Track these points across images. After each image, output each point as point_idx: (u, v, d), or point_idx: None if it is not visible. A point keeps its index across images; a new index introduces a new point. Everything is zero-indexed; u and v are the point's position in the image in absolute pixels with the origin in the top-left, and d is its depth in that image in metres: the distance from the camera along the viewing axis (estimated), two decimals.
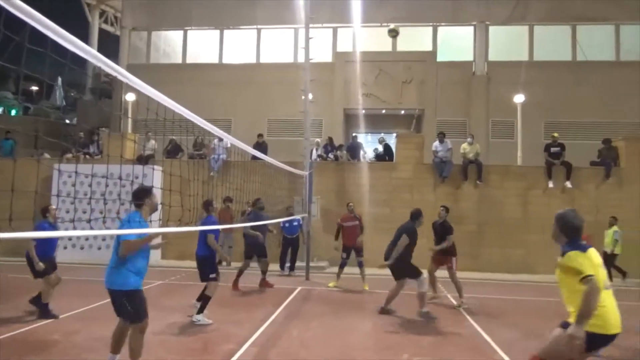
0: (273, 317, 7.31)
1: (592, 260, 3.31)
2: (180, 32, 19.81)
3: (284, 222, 11.29)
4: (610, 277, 12.31)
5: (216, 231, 7.27)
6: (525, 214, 13.09)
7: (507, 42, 18.51)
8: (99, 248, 13.14)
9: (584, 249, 3.37)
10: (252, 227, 9.13)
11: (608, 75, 16.93)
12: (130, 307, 4.30)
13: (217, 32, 19.53)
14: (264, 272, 9.69)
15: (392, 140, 15.32)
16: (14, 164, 13.00)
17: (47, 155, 14.82)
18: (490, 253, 12.95)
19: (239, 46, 19.46)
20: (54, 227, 7.12)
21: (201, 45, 19.90)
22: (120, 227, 4.40)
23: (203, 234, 7.09)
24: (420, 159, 13.80)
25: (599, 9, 17.33)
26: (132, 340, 4.43)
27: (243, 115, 17.76)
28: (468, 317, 7.60)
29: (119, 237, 4.37)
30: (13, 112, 24.91)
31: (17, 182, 12.27)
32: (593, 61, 17.50)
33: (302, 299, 8.96)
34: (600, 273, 3.31)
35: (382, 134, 16.09)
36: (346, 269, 10.16)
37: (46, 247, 7.02)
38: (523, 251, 12.88)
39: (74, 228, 9.59)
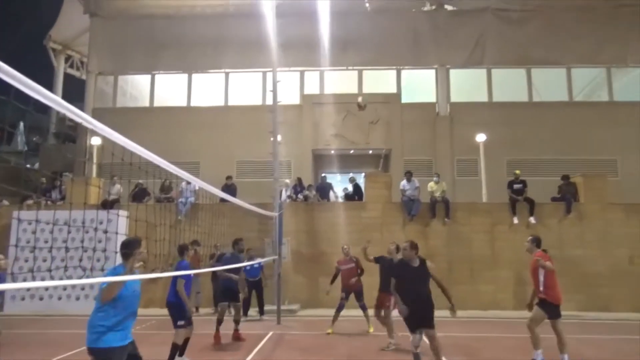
0: None
1: None
2: (148, 76, 19.85)
3: (246, 266, 10.98)
4: None
5: (189, 277, 7.00)
6: (493, 250, 13.31)
7: (468, 84, 19.34)
8: (59, 298, 12.53)
9: None
10: (228, 270, 8.40)
11: (562, 115, 17.80)
12: None
13: (185, 75, 19.67)
14: (236, 321, 8.93)
15: (361, 180, 15.50)
16: None
17: (6, 203, 14.27)
18: (460, 290, 12.96)
19: (207, 89, 19.62)
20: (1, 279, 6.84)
21: (169, 89, 19.96)
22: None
23: (175, 279, 6.87)
24: (389, 198, 13.97)
25: (551, 52, 18.39)
26: None
27: (211, 158, 17.70)
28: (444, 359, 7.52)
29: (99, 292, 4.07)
30: None
31: None
32: (548, 102, 18.42)
33: (274, 344, 8.71)
34: None
35: (352, 174, 16.26)
36: (343, 312, 9.72)
37: None
38: (492, 287, 13.01)
39: (34, 278, 9.23)
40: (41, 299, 12.45)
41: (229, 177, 14.73)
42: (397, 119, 18.18)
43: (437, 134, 18.25)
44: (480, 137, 16.21)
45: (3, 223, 13.15)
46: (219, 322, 8.66)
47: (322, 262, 13.13)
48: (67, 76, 24.05)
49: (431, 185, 13.94)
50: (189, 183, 13.59)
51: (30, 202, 13.97)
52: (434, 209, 13.54)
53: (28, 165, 23.41)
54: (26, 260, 11.89)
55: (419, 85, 19.52)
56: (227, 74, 19.51)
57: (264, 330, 9.80)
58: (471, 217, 13.60)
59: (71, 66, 24.37)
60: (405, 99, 18.73)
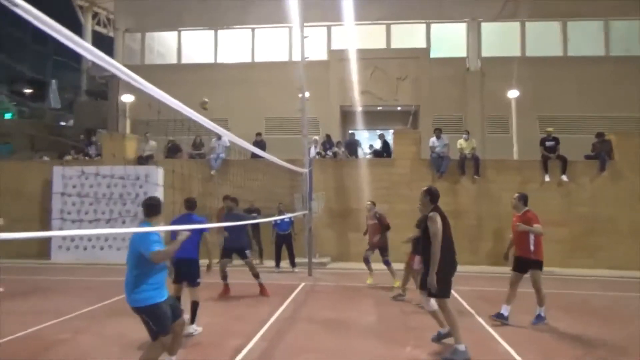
0: (279, 312, 7.43)
1: None
2: (175, 33, 19.83)
3: (275, 220, 11.30)
4: None
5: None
6: None
7: (500, 38, 18.73)
8: (102, 248, 13.13)
9: None
10: (226, 227, 8.27)
11: (598, 70, 17.18)
12: (152, 323, 4.17)
13: (212, 32, 19.57)
14: (255, 275, 8.77)
15: (389, 137, 15.48)
16: (20, 167, 13.00)
17: (46, 158, 14.81)
18: (488, 246, 13.14)
19: (234, 46, 19.52)
20: None
21: (196, 45, 19.93)
22: (137, 243, 4.18)
23: (197, 234, 6.23)
24: (418, 155, 13.96)
25: (588, 4, 17.57)
26: (151, 353, 4.24)
27: (240, 115, 17.81)
28: (471, 309, 7.76)
29: (136, 253, 4.17)
30: (8, 116, 24.84)
31: (18, 185, 12.30)
32: (583, 56, 17.75)
33: (306, 294, 9.09)
34: None
35: (380, 131, 16.23)
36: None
37: None
38: None
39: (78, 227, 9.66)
40: (85, 249, 13.10)
41: (258, 134, 14.89)
42: (426, 74, 17.85)
43: (467, 90, 17.91)
44: (513, 93, 15.87)
45: (44, 178, 13.70)
46: (223, 277, 8.64)
47: (351, 218, 13.38)
48: (94, 33, 24.18)
49: (461, 142, 13.84)
50: (219, 139, 13.82)
51: (68, 157, 14.47)
52: (463, 166, 13.50)
53: (63, 123, 24.05)
54: (69, 213, 12.46)
55: (448, 39, 19.00)
56: (253, 30, 19.32)
57: (296, 282, 10.19)
58: (501, 174, 13.53)
59: (98, 23, 24.44)
60: (434, 53, 18.32)
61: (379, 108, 18.42)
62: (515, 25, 18.39)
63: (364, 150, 15.62)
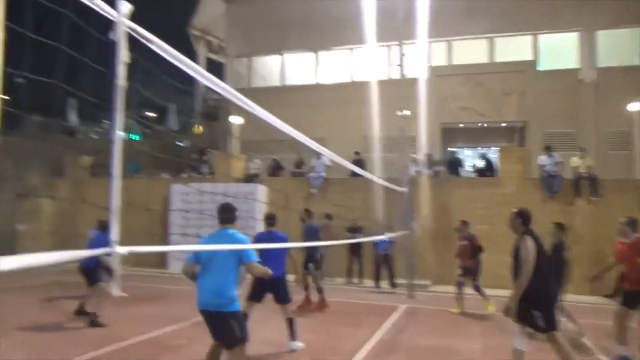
0: (379, 333, 7.38)
1: None
2: (277, 57, 20.88)
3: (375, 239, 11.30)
4: None
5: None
6: None
7: (618, 46, 17.12)
8: None
9: None
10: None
11: None
12: (238, 328, 4.18)
13: (312, 54, 20.30)
14: (318, 290, 9.12)
15: (492, 155, 14.81)
16: (145, 184, 14.44)
17: (165, 176, 16.29)
18: (608, 276, 11.89)
19: (333, 66, 20.04)
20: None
21: (298, 68, 20.78)
22: (239, 249, 4.24)
23: (283, 251, 6.34)
24: (525, 174, 13.17)
25: None
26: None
27: (338, 134, 18.13)
28: (593, 346, 7.09)
29: (234, 259, 4.19)
30: (135, 137, 27.82)
31: (142, 201, 13.60)
32: None
33: (407, 317, 8.93)
34: None
35: (481, 149, 15.60)
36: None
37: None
38: None
39: (194, 242, 10.46)
40: None
41: (357, 153, 15.08)
42: (533, 88, 16.82)
43: (580, 104, 16.57)
44: (634, 106, 14.40)
45: (164, 194, 15.06)
46: (305, 287, 9.07)
47: (452, 239, 12.88)
48: (207, 60, 26.26)
49: (574, 160, 12.83)
50: (319, 158, 14.20)
51: (184, 175, 15.78)
52: (578, 186, 12.46)
53: (180, 143, 26.33)
54: (184, 227, 13.54)
55: (558, 50, 17.79)
56: (352, 50, 19.71)
57: (396, 303, 10.05)
58: (622, 195, 12.26)
59: (211, 51, 26.52)
60: (542, 66, 17.25)
61: (481, 125, 17.71)
62: (636, 32, 16.73)
63: (466, 169, 15.09)
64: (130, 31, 2.53)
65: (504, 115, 17.15)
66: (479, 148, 16.86)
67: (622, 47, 17.08)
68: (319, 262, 9.34)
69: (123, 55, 2.52)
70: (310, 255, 9.14)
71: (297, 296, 7.42)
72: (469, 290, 9.25)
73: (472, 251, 9.07)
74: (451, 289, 9.97)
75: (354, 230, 12.58)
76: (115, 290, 2.62)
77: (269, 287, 6.10)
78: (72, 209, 15.38)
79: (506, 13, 17.48)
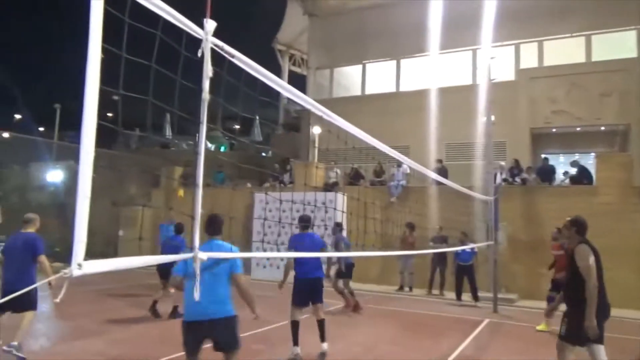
0: (461, 348, 7.09)
1: None
2: (357, 67, 21.00)
3: (457, 250, 10.90)
4: None
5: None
6: None
7: None
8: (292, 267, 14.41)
9: None
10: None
11: None
12: (237, 334, 4.19)
13: (393, 62, 20.17)
14: (350, 293, 10.03)
15: (590, 161, 13.70)
16: (229, 193, 15.19)
17: (249, 185, 16.99)
18: None
19: (415, 73, 19.75)
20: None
21: (379, 76, 20.76)
22: (231, 261, 4.20)
23: (320, 245, 6.39)
24: (629, 182, 12.02)
25: None
26: None
27: (421, 141, 17.77)
28: None
29: (228, 268, 4.14)
30: (222, 149, 29.41)
31: (228, 209, 14.30)
32: None
33: (491, 332, 8.49)
34: None
35: (577, 155, 14.49)
36: None
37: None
38: None
39: (278, 250, 10.79)
40: (278, 267, 14.52)
41: (439, 160, 14.69)
42: (637, 88, 15.35)
43: None
44: None
45: (247, 202, 15.69)
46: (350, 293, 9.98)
47: (541, 251, 12.06)
48: (290, 73, 27.11)
49: None
50: (399, 166, 14.03)
51: (267, 184, 16.35)
52: None
53: (264, 153, 27.39)
54: (265, 234, 13.98)
55: None
56: (433, 56, 19.29)
57: (480, 317, 9.59)
58: None
59: (294, 64, 27.36)
60: None
61: (577, 129, 16.46)
62: None
63: (559, 177, 14.10)
64: (215, 47, 2.70)
65: (603, 118, 15.82)
66: (576, 155, 15.66)
67: None
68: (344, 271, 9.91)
69: (208, 70, 2.69)
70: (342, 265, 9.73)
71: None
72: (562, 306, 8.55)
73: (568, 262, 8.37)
74: (541, 304, 9.33)
75: (439, 240, 12.22)
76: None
77: (306, 287, 6.10)
78: (165, 216, 16.54)
79: (603, 8, 16.16)
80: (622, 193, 11.93)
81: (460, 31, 17.24)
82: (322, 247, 6.43)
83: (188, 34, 2.60)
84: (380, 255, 12.59)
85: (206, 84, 2.75)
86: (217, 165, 18.35)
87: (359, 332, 7.98)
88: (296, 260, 6.20)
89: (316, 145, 17.70)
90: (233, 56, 2.91)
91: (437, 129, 17.62)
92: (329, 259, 8.99)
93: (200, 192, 2.85)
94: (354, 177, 15.39)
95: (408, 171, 13.93)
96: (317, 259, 6.32)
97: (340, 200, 13.64)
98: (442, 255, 11.85)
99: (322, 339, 6.19)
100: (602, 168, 12.47)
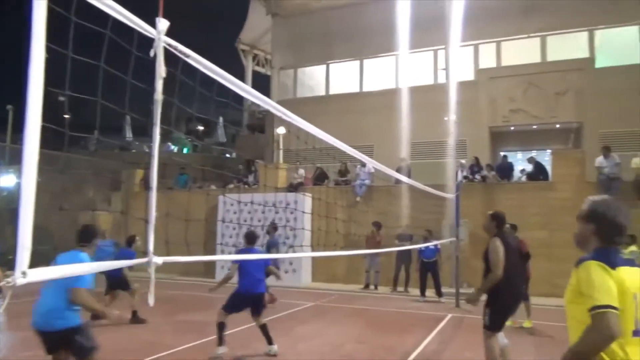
0: (425, 343, 7.20)
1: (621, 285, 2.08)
2: (322, 67, 21.05)
3: (421, 247, 11.13)
4: None
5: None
6: None
7: None
8: None
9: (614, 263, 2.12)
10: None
11: None
12: (84, 340, 4.08)
13: (357, 62, 20.32)
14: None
15: (546, 158, 14.18)
16: (188, 195, 14.92)
17: (213, 187, 16.75)
18: None
19: (378, 73, 19.97)
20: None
21: (343, 76, 20.87)
22: None
23: (262, 267, 6.45)
24: (582, 177, 12.52)
25: None
26: None
27: (385, 141, 17.97)
28: None
29: (68, 280, 3.88)
30: (185, 150, 28.91)
31: (190, 212, 14.03)
32: None
33: (453, 326, 8.66)
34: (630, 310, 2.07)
35: (534, 152, 14.99)
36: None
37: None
38: None
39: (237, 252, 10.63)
40: None
41: (402, 159, 14.88)
42: (590, 87, 15.99)
43: None
44: None
45: (212, 204, 15.46)
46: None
47: None
48: (254, 73, 26.93)
49: (636, 161, 12.10)
50: (363, 166, 14.13)
51: (231, 186, 16.16)
52: (639, 187, 11.70)
53: (228, 155, 27.10)
54: (230, 237, 13.83)
55: (617, 46, 16.85)
56: (397, 57, 19.56)
57: (443, 312, 9.78)
58: None
59: (257, 64, 27.19)
60: (600, 63, 16.39)
61: (534, 127, 17.02)
62: None
63: (517, 174, 14.54)
64: (168, 47, 2.63)
65: (558, 116, 16.42)
66: (533, 152, 16.18)
67: None
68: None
69: (161, 70, 2.61)
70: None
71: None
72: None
73: (520, 258, 8.63)
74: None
75: (404, 238, 12.38)
76: (151, 299, 2.67)
77: (250, 303, 6.27)
78: (124, 221, 16.11)
79: (559, 10, 16.77)
80: (576, 188, 12.40)
81: (422, 32, 17.51)
82: (266, 265, 6.58)
83: (142, 34, 2.52)
84: (346, 255, 12.67)
85: (159, 85, 2.67)
86: (180, 168, 18.02)
87: (326, 331, 7.99)
88: (240, 273, 6.30)
89: (280, 146, 17.61)
90: (188, 56, 2.85)
91: (401, 129, 17.85)
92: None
93: (154, 195, 2.76)
94: (319, 178, 15.40)
95: (372, 171, 14.05)
96: (261, 273, 6.42)
97: (305, 200, 13.65)
98: (407, 253, 12.02)
99: (269, 341, 6.32)
100: (558, 164, 12.94)
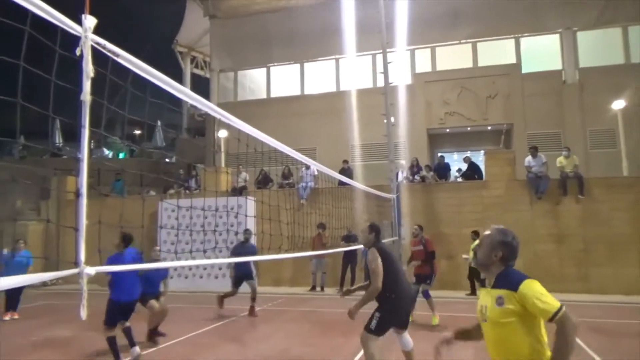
0: None
1: None
2: (264, 69, 20.94)
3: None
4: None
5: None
6: (636, 229, 11.97)
7: (599, 47, 17.39)
8: (201, 277, 13.97)
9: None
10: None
11: None
12: None
13: (298, 65, 20.38)
14: (253, 299, 9.82)
15: (480, 158, 14.87)
16: (124, 202, 14.31)
17: (152, 193, 16.17)
18: (598, 273, 11.96)
19: (319, 77, 20.13)
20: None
21: (284, 80, 20.85)
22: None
23: (135, 273, 6.58)
24: (513, 176, 13.24)
25: None
26: None
27: (327, 143, 18.18)
28: (579, 340, 7.05)
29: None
30: (121, 155, 27.73)
31: (128, 219, 13.45)
32: None
33: None
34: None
35: (469, 152, 15.68)
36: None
37: None
38: (638, 270, 11.73)
39: (178, 259, 10.34)
40: (186, 277, 13.98)
41: (345, 161, 15.08)
42: (517, 91, 17.00)
43: (564, 104, 16.75)
44: (618, 104, 14.56)
45: (151, 211, 14.93)
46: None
47: (442, 244, 12.89)
48: (193, 75, 26.31)
49: (560, 160, 12.91)
50: (307, 168, 14.18)
51: (172, 191, 15.67)
52: (564, 185, 12.54)
53: (167, 160, 26.27)
54: (172, 243, 13.39)
55: (541, 52, 18.03)
56: (337, 60, 19.82)
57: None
58: (610, 192, 12.36)
59: (196, 66, 26.61)
60: (526, 68, 17.44)
61: (468, 129, 17.82)
62: (616, 31, 17.02)
63: (454, 174, 15.15)
64: (96, 45, 2.50)
65: (489, 118, 17.29)
66: (468, 152, 16.91)
67: (602, 47, 17.34)
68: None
69: (89, 70, 2.47)
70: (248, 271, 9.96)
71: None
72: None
73: (426, 256, 8.86)
74: (441, 293, 9.92)
75: (350, 239, 12.52)
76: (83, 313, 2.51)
77: (125, 310, 6.36)
78: (56, 230, 15.22)
79: (488, 18, 17.70)
80: (507, 186, 13.10)
81: (361, 37, 17.85)
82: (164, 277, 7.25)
83: (68, 32, 2.38)
84: (292, 258, 12.62)
85: (87, 85, 2.52)
86: (116, 173, 17.24)
87: (273, 335, 7.92)
88: (111, 281, 6.37)
89: (222, 149, 17.31)
90: (118, 55, 2.72)
91: (343, 131, 18.10)
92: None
93: (84, 202, 2.60)
94: (263, 181, 15.27)
95: (316, 173, 14.12)
96: (134, 280, 6.49)
97: (250, 205, 13.49)
98: (353, 253, 12.17)
99: (132, 344, 6.33)
100: (490, 164, 13.60)
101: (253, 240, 10.80)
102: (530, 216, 12.56)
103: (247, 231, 10.21)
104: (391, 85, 12.54)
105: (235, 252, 9.78)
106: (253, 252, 10.02)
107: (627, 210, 12.15)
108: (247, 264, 9.94)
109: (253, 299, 9.78)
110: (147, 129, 30.50)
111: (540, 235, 12.41)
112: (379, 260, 4.87)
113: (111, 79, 2.85)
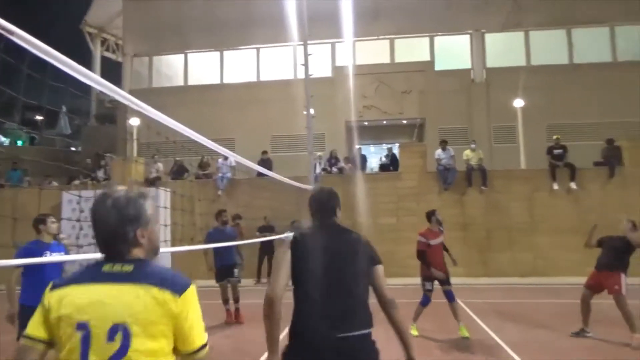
0: (286, 331, 7.33)
1: None
2: (181, 56, 20.15)
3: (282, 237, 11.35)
4: None
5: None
6: (532, 217, 13.12)
7: (504, 49, 18.73)
8: None
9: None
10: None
11: (605, 76, 17.03)
12: None
13: (217, 53, 19.85)
14: (235, 299, 8.34)
15: (395, 151, 15.46)
16: (22, 192, 13.18)
17: (55, 183, 15.00)
18: (499, 258, 12.95)
19: (240, 66, 19.76)
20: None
21: (202, 67, 20.22)
22: None
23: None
24: (424, 168, 13.90)
25: (593, 11, 17.53)
26: None
27: (246, 134, 17.94)
28: (479, 321, 7.61)
29: None
30: (19, 143, 25.36)
31: (28, 211, 12.41)
32: (590, 63, 17.63)
33: None
34: None
35: (385, 145, 16.25)
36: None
37: None
38: (532, 254, 12.88)
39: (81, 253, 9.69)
40: None
41: (264, 152, 14.97)
42: (431, 87, 17.87)
43: (472, 101, 17.88)
44: (518, 103, 15.81)
45: (54, 203, 13.84)
46: (224, 301, 8.39)
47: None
48: (103, 59, 24.69)
49: (467, 153, 13.78)
50: (225, 159, 13.89)
51: (77, 182, 14.64)
52: (470, 177, 13.40)
53: (72, 148, 24.46)
54: (77, 237, 12.53)
55: (452, 52, 19.06)
56: (258, 50, 19.57)
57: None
58: (509, 184, 13.41)
59: (107, 49, 24.97)
60: (438, 66, 18.36)
61: (384, 122, 18.44)
62: (520, 35, 18.41)
63: (371, 165, 15.63)
64: None
65: (404, 113, 18.01)
66: (384, 145, 17.51)
67: (507, 49, 18.68)
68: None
69: None
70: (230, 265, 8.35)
71: None
72: None
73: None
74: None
75: (265, 230, 12.47)
76: None
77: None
78: None
79: (406, 16, 18.36)
80: (420, 178, 13.75)
81: (282, 28, 17.70)
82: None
83: None
84: (207, 249, 12.33)
85: None
86: (12, 162, 15.78)
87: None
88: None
89: (135, 138, 16.46)
90: (12, 33, 2.45)
91: (262, 122, 17.96)
92: None
93: None
94: (178, 172, 14.74)
95: (234, 164, 13.88)
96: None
97: (165, 196, 12.95)
98: (270, 244, 12.14)
99: None
100: (404, 156, 14.18)
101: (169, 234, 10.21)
102: (439, 206, 13.20)
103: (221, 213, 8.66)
104: (311, 77, 12.60)
105: (212, 239, 8.10)
106: (233, 238, 8.21)
107: (524, 200, 13.26)
108: (230, 252, 8.38)
109: (236, 299, 8.27)
110: (50, 115, 28.16)
111: (448, 223, 13.13)
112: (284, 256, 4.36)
113: (5, 60, 2.57)
